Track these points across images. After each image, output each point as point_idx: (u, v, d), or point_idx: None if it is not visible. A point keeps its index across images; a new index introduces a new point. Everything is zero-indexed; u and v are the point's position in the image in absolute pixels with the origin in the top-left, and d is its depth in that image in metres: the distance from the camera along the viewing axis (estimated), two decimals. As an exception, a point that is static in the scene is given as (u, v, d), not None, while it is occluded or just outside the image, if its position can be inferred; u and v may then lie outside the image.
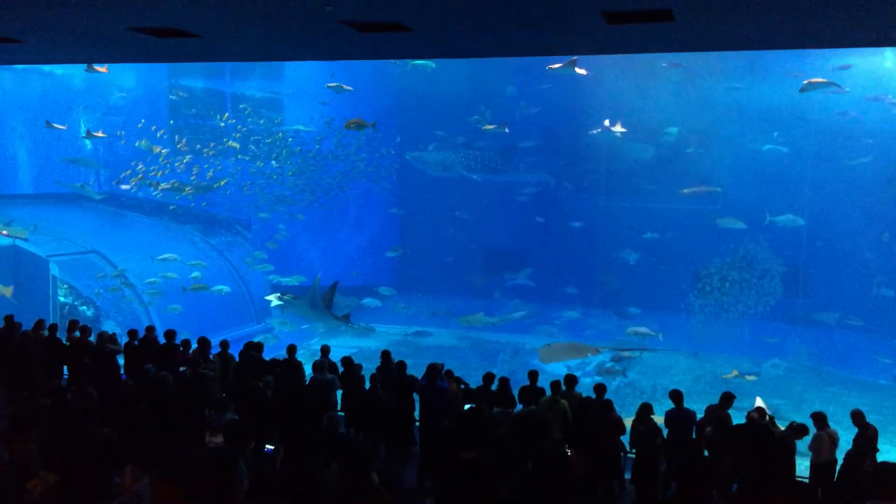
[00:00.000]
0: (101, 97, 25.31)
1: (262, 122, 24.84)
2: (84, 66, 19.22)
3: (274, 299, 19.71)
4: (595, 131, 23.45)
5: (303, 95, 24.39)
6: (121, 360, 10.95)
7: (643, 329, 21.18)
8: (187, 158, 23.91)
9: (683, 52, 19.35)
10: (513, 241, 25.96)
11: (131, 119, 24.82)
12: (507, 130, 22.92)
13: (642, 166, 24.24)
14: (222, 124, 24.45)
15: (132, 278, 21.19)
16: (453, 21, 8.38)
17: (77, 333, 11.18)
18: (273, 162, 24.30)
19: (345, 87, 21.30)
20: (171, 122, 25.23)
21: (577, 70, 20.06)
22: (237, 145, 24.09)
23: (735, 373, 17.52)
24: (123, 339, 11.46)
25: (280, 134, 24.66)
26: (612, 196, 25.19)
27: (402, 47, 10.28)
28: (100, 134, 23.06)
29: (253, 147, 24.71)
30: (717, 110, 23.13)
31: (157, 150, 23.39)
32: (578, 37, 9.10)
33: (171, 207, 24.68)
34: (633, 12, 7.47)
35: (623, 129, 23.01)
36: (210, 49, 10.81)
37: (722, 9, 7.40)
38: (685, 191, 22.56)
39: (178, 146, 24.43)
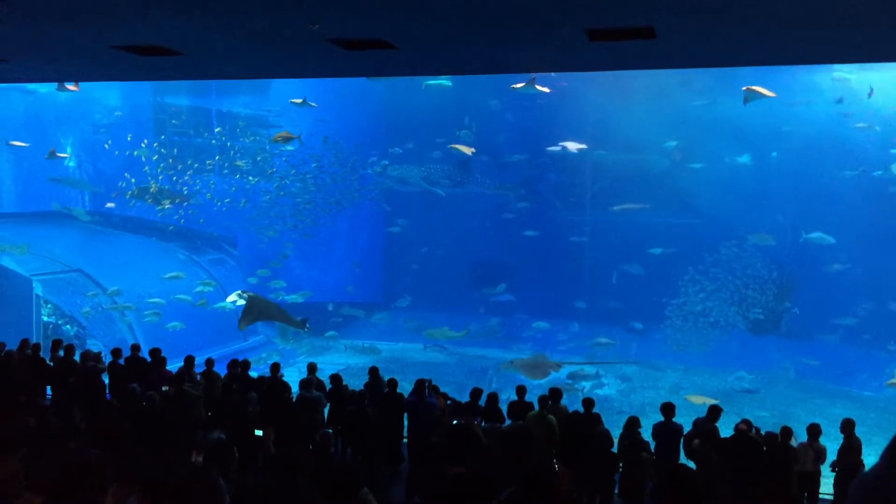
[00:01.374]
0: (85, 115, 25.19)
1: (250, 139, 24.85)
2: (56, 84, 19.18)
3: (234, 297, 19.72)
4: (554, 148, 23.66)
5: (289, 113, 24.44)
6: (106, 379, 10.84)
7: (604, 339, 21.31)
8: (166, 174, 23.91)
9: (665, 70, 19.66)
10: (496, 255, 26.02)
11: (116, 137, 24.74)
12: (472, 152, 23.08)
13: (630, 180, 24.44)
14: (214, 141, 24.45)
15: (118, 296, 21.03)
16: (437, 39, 8.45)
17: (61, 353, 11.08)
18: (277, 182, 24.22)
19: (309, 103, 21.52)
20: (161, 137, 25.09)
21: (539, 88, 20.50)
22: (242, 163, 24.09)
23: (702, 399, 17.08)
24: (108, 359, 11.37)
25: (266, 150, 24.65)
26: (597, 210, 25.34)
27: (388, 65, 10.34)
28: (63, 155, 22.91)
29: (242, 164, 24.67)
30: (697, 125, 23.41)
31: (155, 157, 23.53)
32: (562, 54, 9.20)
33: (157, 225, 24.58)
34: (616, 30, 7.58)
35: (582, 146, 23.23)
36: (195, 67, 10.83)
37: (703, 26, 7.52)
38: (616, 208, 23.35)
39: (159, 168, 24.49)
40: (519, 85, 20.28)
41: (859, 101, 21.82)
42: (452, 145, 23.02)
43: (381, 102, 25.93)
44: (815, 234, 20.93)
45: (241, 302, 19.30)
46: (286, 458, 7.08)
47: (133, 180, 24.14)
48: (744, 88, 18.61)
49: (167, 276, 21.72)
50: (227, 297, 20.53)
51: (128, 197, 23.99)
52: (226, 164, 24.93)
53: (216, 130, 24.67)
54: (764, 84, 21.13)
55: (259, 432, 8.07)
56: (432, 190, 24.78)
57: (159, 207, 23.81)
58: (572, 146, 23.24)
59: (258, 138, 25.04)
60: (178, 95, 25.17)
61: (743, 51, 8.86)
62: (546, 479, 5.55)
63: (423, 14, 7.30)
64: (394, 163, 24.61)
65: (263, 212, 24.37)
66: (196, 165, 24.70)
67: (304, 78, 19.21)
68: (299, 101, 21.34)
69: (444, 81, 23.07)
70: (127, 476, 6.17)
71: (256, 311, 19.21)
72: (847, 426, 8.75)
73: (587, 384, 19.55)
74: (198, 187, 24.62)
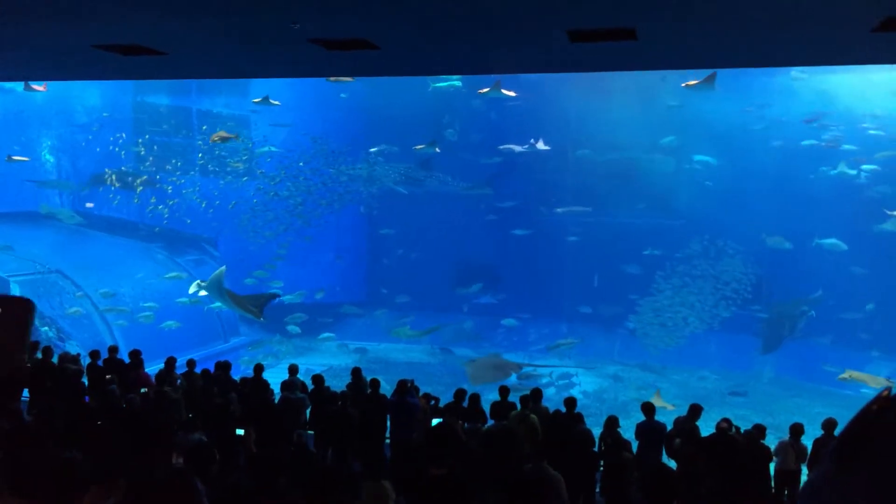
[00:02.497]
0: (63, 115, 24.91)
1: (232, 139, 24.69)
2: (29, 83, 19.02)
3: (195, 287, 19.73)
4: (520, 148, 23.79)
5: (269, 112, 24.33)
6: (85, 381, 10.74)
7: (567, 341, 21.43)
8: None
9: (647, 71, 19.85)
10: (480, 256, 26.07)
11: (96, 136, 24.49)
12: (437, 150, 23.06)
13: (606, 180, 24.61)
14: (200, 142, 24.29)
15: (95, 297, 20.80)
16: (420, 40, 8.46)
17: (39, 355, 10.95)
18: (263, 183, 24.11)
19: (272, 101, 21.48)
20: (145, 137, 24.87)
21: (505, 91, 20.81)
22: (240, 165, 23.96)
23: (658, 400, 17.13)
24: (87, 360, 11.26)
25: (248, 150, 24.54)
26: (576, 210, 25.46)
27: (371, 65, 10.32)
28: (22, 158, 22.67)
29: (239, 165, 24.52)
30: (681, 125, 23.63)
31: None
32: (543, 55, 9.24)
33: (136, 226, 24.37)
34: (597, 31, 7.62)
35: (546, 147, 23.34)
36: (178, 67, 10.76)
37: (684, 29, 7.59)
38: (560, 209, 23.87)
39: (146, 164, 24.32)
40: (485, 90, 20.67)
41: (828, 104, 22.25)
42: (417, 146, 23.03)
43: (363, 102, 25.89)
44: (830, 241, 20.97)
45: (204, 293, 19.34)
46: (267, 459, 7.05)
47: (113, 175, 23.95)
48: (683, 85, 18.77)
49: (168, 276, 21.64)
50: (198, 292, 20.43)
51: (106, 182, 23.78)
52: (210, 164, 24.76)
53: (203, 129, 24.51)
54: (741, 85, 21.49)
55: (240, 432, 8.03)
56: (395, 189, 24.75)
57: (136, 191, 23.66)
58: (539, 146, 23.34)
59: (241, 139, 24.89)
60: (159, 95, 24.94)
61: (723, 53, 8.97)
62: (536, 489, 5.58)
63: (405, 15, 7.31)
64: (360, 162, 24.47)
65: (247, 212, 24.22)
66: (179, 164, 24.52)
67: (286, 77, 19.26)
68: (259, 100, 21.47)
69: (455, 82, 22.97)
70: (105, 478, 6.12)
71: (218, 292, 19.38)
72: (829, 426, 8.85)
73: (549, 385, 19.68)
74: (181, 183, 24.43)
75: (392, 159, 24.86)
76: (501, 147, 24.11)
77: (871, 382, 17.10)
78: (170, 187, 24.45)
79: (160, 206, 24.05)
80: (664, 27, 7.50)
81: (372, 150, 24.48)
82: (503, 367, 19.26)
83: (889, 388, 0.83)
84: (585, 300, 24.20)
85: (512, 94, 21.46)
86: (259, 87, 24.00)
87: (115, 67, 10.62)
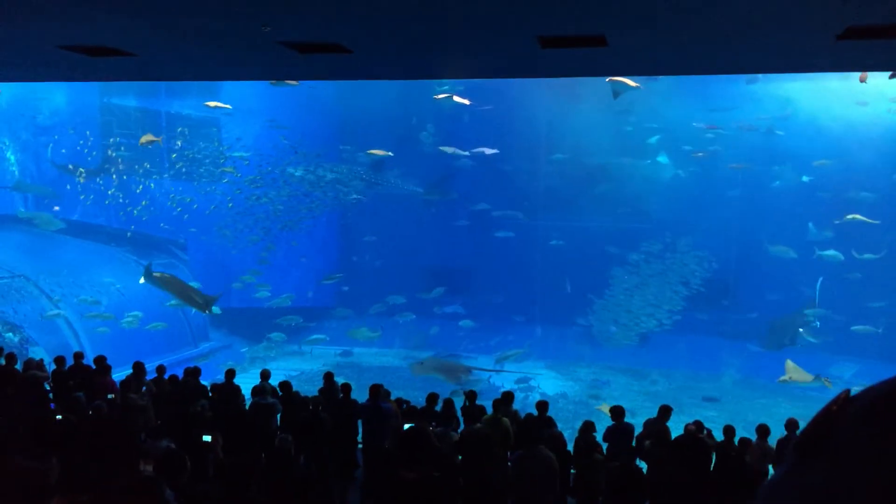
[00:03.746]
0: (26, 116, 24.43)
1: (202, 144, 24.48)
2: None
3: (142, 279, 19.67)
4: (466, 153, 24.04)
5: (239, 114, 24.15)
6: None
7: (514, 351, 21.63)
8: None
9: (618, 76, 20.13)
10: (448, 260, 26.16)
11: (62, 138, 24.07)
12: (391, 154, 23.19)
13: (576, 186, 24.89)
14: (179, 143, 24.02)
15: (63, 303, 20.39)
16: (393, 44, 8.46)
17: (2, 361, 10.72)
18: (238, 187, 23.92)
19: (222, 105, 21.46)
20: (116, 139, 24.51)
21: (458, 99, 20.98)
22: (232, 169, 23.73)
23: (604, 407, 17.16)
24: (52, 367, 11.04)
25: (218, 153, 24.33)
26: (547, 215, 25.67)
27: (343, 68, 10.30)
28: None
29: (230, 169, 24.31)
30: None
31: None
32: (515, 60, 9.30)
33: (104, 229, 23.98)
34: (567, 37, 7.70)
35: (494, 151, 23.49)
36: (146, 68, 10.63)
37: (653, 36, 7.70)
38: (495, 213, 24.33)
39: (115, 166, 23.98)
40: (441, 95, 20.92)
41: (784, 108, 22.87)
42: (369, 150, 23.05)
43: (336, 104, 25.83)
44: (829, 252, 21.32)
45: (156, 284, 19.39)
46: (237, 466, 6.99)
47: (82, 171, 23.57)
48: (608, 80, 18.65)
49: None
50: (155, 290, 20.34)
51: (70, 170, 23.45)
52: (182, 168, 24.48)
53: (178, 130, 24.25)
54: (700, 91, 21.96)
55: (207, 438, 7.93)
56: (347, 191, 24.65)
57: (79, 180, 23.38)
58: (487, 151, 23.49)
59: (209, 142, 24.65)
60: (127, 97, 24.58)
61: (692, 60, 9.10)
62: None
63: (377, 19, 7.30)
64: (309, 164, 24.35)
65: (219, 217, 23.99)
66: (149, 167, 24.22)
67: (258, 80, 19.13)
68: (213, 103, 21.59)
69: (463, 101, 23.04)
70: (70, 486, 6.02)
71: (161, 282, 19.34)
72: (790, 425, 9.02)
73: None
74: (150, 187, 24.12)
75: (354, 162, 24.86)
76: (459, 152, 24.29)
77: (808, 379, 17.48)
78: (140, 187, 24.13)
79: (131, 209, 23.71)
80: (633, 35, 7.60)
81: (345, 147, 24.41)
82: (450, 369, 19.24)
83: (848, 391, 0.85)
84: (549, 303, 24.41)
85: (466, 101, 21.70)
86: (230, 90, 23.81)
87: (82, 69, 10.46)
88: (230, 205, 23.75)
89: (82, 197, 24.02)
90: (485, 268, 25.69)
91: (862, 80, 17.85)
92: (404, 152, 24.18)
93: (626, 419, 9.25)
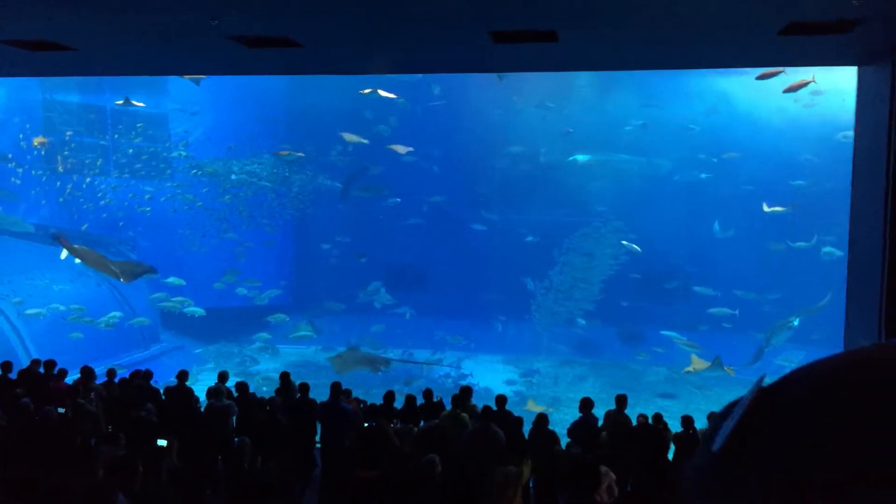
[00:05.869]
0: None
1: (139, 139, 23.94)
2: None
3: (63, 254, 19.39)
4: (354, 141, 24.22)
5: (190, 110, 23.65)
6: None
7: (436, 360, 21.95)
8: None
9: (569, 72, 20.42)
10: (400, 258, 26.19)
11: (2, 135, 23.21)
12: (301, 155, 23.27)
13: (524, 181, 25.23)
14: (140, 139, 23.49)
15: (4, 305, 19.67)
16: (344, 39, 8.38)
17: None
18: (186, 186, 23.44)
19: (135, 103, 21.26)
20: (53, 136, 23.74)
21: (382, 93, 21.42)
22: (211, 170, 23.27)
23: (533, 405, 16.85)
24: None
25: (166, 150, 23.84)
26: (501, 209, 25.90)
27: (295, 63, 10.17)
28: None
29: (136, 166, 23.77)
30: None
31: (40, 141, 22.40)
32: (467, 55, 9.32)
33: (48, 230, 23.21)
34: (519, 32, 7.74)
35: (409, 149, 23.61)
36: (89, 63, 10.33)
37: (602, 32, 7.80)
38: (390, 201, 24.84)
39: (62, 167, 23.34)
40: (367, 90, 21.30)
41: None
42: (277, 152, 22.90)
43: (285, 99, 25.54)
44: (827, 249, 21.67)
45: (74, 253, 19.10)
46: (192, 470, 6.86)
47: (20, 171, 22.82)
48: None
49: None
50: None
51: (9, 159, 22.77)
52: (126, 166, 23.90)
53: (138, 126, 23.68)
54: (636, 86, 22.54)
55: (162, 443, 7.76)
56: (259, 184, 24.33)
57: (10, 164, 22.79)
58: (400, 149, 23.58)
59: (156, 139, 24.12)
60: (70, 93, 23.80)
61: (639, 55, 9.25)
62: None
63: (327, 14, 7.23)
64: (218, 157, 23.96)
65: (168, 214, 23.49)
66: (99, 162, 23.63)
67: (206, 75, 18.75)
68: (121, 101, 21.50)
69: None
70: (17, 496, 5.84)
71: (77, 253, 19.01)
72: (686, 421, 9.18)
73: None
74: (94, 184, 23.47)
75: (302, 160, 24.69)
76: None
77: (703, 366, 18.13)
78: (76, 183, 23.48)
79: (76, 207, 23.06)
80: (583, 31, 7.68)
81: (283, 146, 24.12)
82: (369, 361, 19.39)
83: (762, 377, 0.87)
84: (504, 298, 24.66)
85: (393, 96, 21.74)
86: (177, 85, 23.29)
87: (23, 64, 10.10)
88: (187, 205, 23.32)
89: (33, 192, 23.27)
90: (438, 264, 25.77)
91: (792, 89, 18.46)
92: (362, 149, 24.04)
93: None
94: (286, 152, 22.70)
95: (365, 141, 22.68)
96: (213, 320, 22.01)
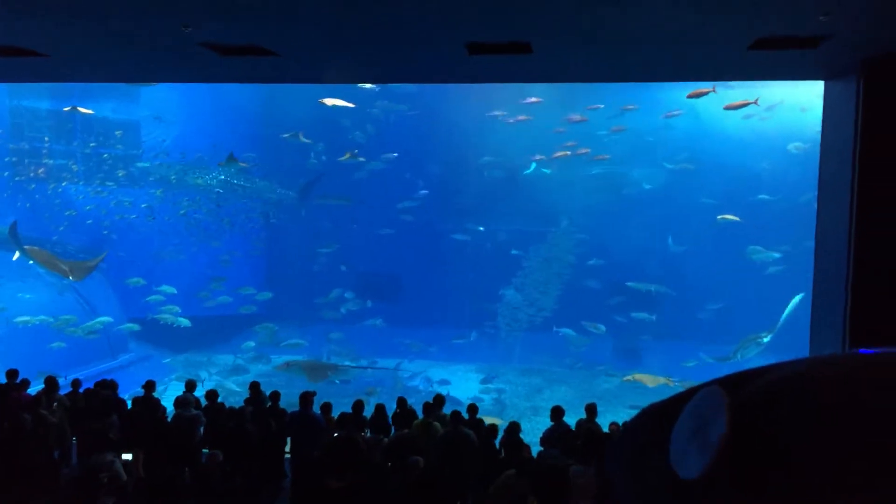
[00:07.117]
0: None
1: (119, 147, 23.64)
2: None
3: (15, 255, 19.27)
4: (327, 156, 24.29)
5: (163, 117, 23.42)
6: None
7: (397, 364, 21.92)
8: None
9: (544, 83, 20.57)
10: (373, 266, 26.16)
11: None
12: (245, 165, 23.17)
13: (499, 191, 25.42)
14: (125, 145, 23.18)
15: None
16: (319, 48, 8.35)
17: None
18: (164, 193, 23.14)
19: (83, 109, 21.17)
20: (20, 143, 23.33)
21: (333, 101, 21.58)
22: (166, 176, 22.99)
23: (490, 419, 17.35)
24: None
25: (137, 157, 23.56)
26: (476, 218, 26.01)
27: (269, 72, 10.10)
28: None
29: (99, 172, 23.46)
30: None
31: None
32: (442, 66, 9.34)
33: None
34: (494, 44, 7.78)
35: (346, 103, 23.51)
36: (59, 69, 10.16)
37: (575, 44, 7.86)
38: (331, 200, 25.22)
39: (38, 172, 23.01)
40: (328, 100, 21.42)
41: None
42: (225, 161, 22.79)
43: (258, 106, 25.44)
44: (754, 248, 22.28)
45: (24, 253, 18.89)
46: (159, 481, 6.74)
47: None
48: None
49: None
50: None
51: None
52: (97, 173, 23.57)
53: (117, 133, 23.38)
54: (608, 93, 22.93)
55: (128, 456, 7.61)
56: (213, 190, 24.14)
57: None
58: (345, 157, 23.69)
59: (127, 146, 23.82)
60: (40, 99, 23.42)
61: (613, 68, 9.35)
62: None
63: (302, 22, 7.20)
64: (167, 162, 23.63)
65: (138, 221, 23.21)
66: (74, 167, 23.33)
67: (178, 82, 18.58)
68: (69, 108, 21.37)
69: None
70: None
71: (29, 253, 19.08)
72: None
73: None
74: (61, 191, 23.10)
75: (261, 170, 24.56)
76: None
77: (650, 382, 18.60)
78: (50, 188, 23.13)
79: (46, 215, 22.66)
80: (558, 43, 7.74)
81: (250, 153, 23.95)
82: (318, 368, 19.49)
83: (699, 386, 0.84)
84: (475, 307, 24.72)
85: (351, 105, 21.74)
86: (151, 92, 23.07)
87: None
88: (151, 218, 23.05)
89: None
90: (410, 273, 25.78)
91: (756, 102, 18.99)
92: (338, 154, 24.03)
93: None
94: (236, 159, 22.40)
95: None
96: (182, 330, 21.72)
